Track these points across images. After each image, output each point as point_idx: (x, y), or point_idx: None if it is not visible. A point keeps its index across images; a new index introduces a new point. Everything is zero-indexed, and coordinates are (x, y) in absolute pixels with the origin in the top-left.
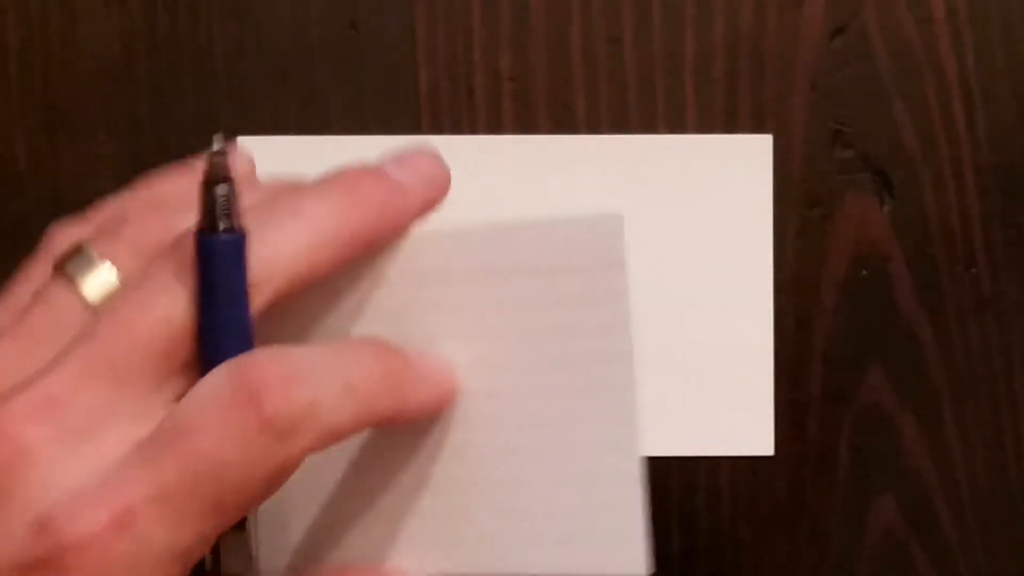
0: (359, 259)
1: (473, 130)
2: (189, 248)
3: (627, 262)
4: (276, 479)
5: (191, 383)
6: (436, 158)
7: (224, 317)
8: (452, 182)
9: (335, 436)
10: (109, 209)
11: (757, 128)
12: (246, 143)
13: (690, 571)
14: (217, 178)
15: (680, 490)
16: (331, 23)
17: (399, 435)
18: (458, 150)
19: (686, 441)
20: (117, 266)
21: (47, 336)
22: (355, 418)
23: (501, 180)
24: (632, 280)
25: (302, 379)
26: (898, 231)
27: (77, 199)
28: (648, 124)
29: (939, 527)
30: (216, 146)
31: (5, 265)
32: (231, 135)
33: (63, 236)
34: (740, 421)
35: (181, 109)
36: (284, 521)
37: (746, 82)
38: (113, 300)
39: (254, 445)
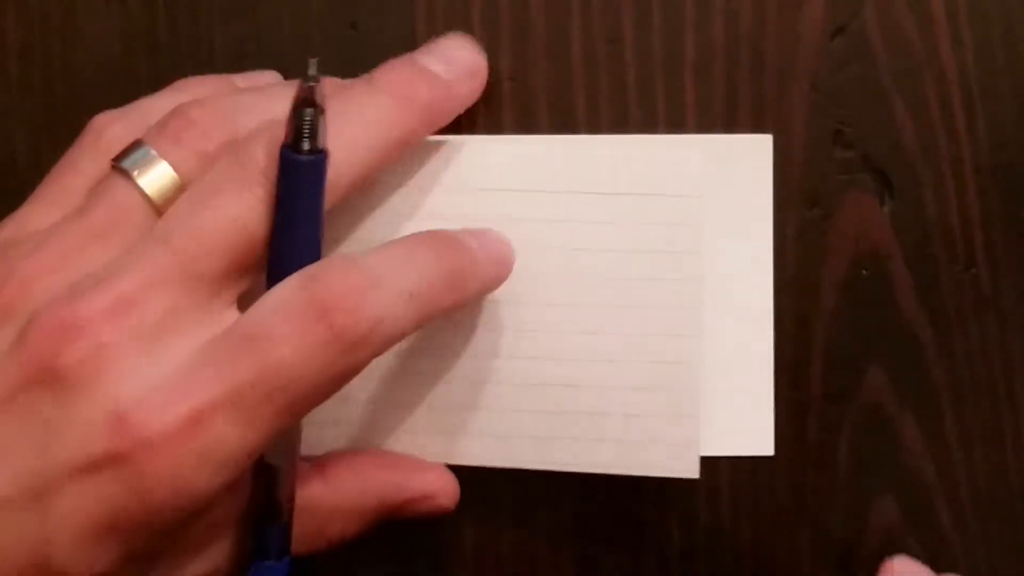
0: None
1: (473, 130)
2: (262, 160)
3: (704, 193)
4: (340, 384)
5: (250, 289)
6: (474, 50)
7: (298, 230)
8: (452, 182)
9: (398, 340)
10: (153, 106)
11: (757, 128)
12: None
13: (690, 571)
14: (308, 102)
15: (680, 490)
16: (331, 23)
17: (458, 330)
18: (458, 150)
19: None
20: (177, 167)
21: (110, 232)
22: (418, 322)
23: (501, 180)
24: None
25: (369, 293)
26: (898, 231)
27: None
28: (648, 124)
29: (939, 527)
30: (311, 71)
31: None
32: None
33: (113, 131)
34: (740, 421)
35: None
36: (330, 408)
37: (746, 82)
38: (186, 204)
39: (324, 355)
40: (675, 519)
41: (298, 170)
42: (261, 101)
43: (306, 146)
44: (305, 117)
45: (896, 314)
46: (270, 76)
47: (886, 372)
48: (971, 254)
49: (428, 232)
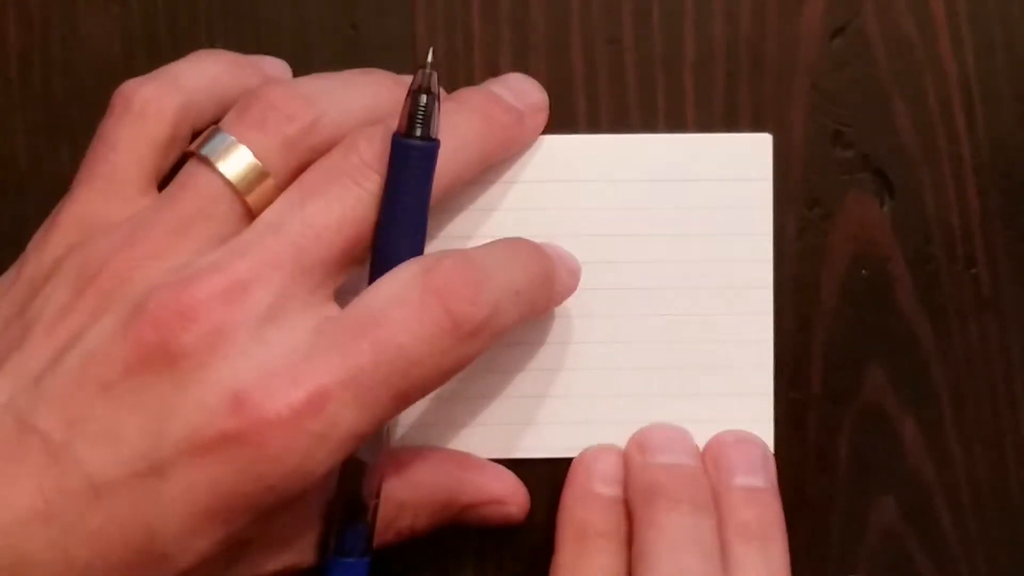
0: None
1: None
2: (373, 151)
3: (771, 178)
4: (452, 374)
5: (352, 275)
6: (540, 89)
7: (407, 220)
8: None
9: (504, 336)
10: (180, 70)
11: (757, 128)
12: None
13: None
14: (423, 88)
15: None
16: (331, 23)
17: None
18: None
19: None
20: (259, 154)
21: (197, 221)
22: (521, 319)
23: (501, 180)
24: (631, 280)
25: (485, 286)
26: (898, 231)
27: None
28: (648, 124)
29: (939, 527)
30: (430, 59)
31: (5, 265)
32: None
33: (143, 94)
34: (740, 421)
35: None
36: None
37: (746, 82)
38: (296, 194)
39: (441, 344)
40: None
41: (411, 156)
42: (339, 87)
43: (419, 132)
44: (420, 103)
45: (896, 314)
46: (279, 64)
47: (886, 372)
48: (971, 254)
49: (519, 238)
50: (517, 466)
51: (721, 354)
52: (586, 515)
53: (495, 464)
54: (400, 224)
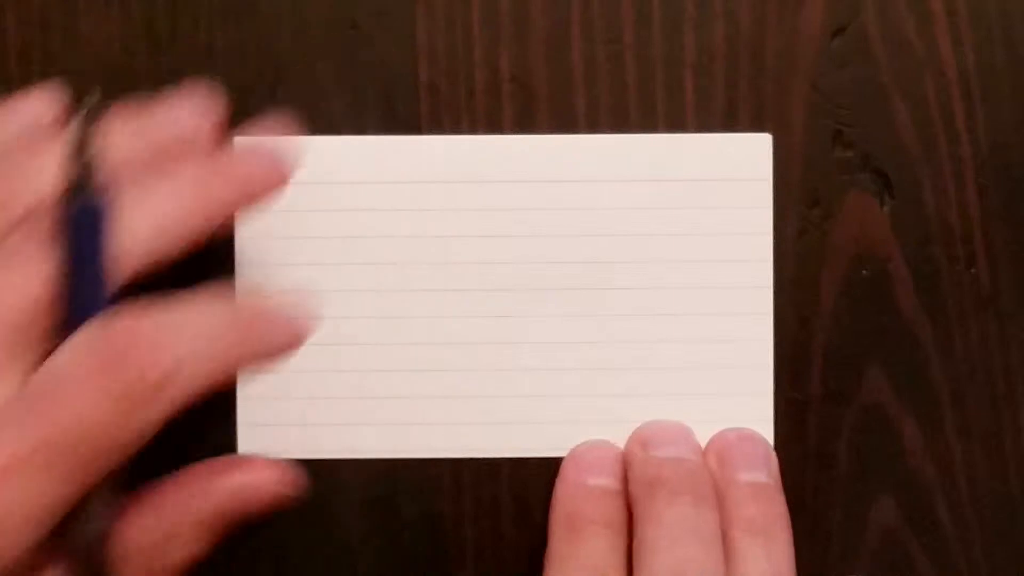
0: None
1: (473, 130)
2: (51, 215)
3: (771, 178)
4: (141, 438)
5: (51, 349)
6: (278, 154)
7: (83, 284)
8: (453, 182)
9: (196, 395)
10: None
11: (757, 128)
12: (246, 143)
13: None
14: (83, 146)
15: None
16: (331, 23)
17: (529, 319)
18: (458, 150)
19: None
20: None
21: None
22: (215, 376)
23: (501, 180)
24: (631, 280)
25: (163, 343)
26: (898, 231)
27: None
28: (648, 124)
29: (939, 527)
30: (86, 108)
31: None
32: (231, 135)
33: None
34: (740, 420)
35: None
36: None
37: (746, 82)
38: None
39: (118, 407)
40: None
41: (77, 220)
42: (28, 159)
43: (82, 197)
44: (83, 162)
45: (896, 314)
46: (41, 102)
47: (886, 372)
48: (971, 254)
49: (218, 293)
50: (516, 466)
51: (721, 354)
52: (577, 506)
53: (248, 457)
54: (76, 291)
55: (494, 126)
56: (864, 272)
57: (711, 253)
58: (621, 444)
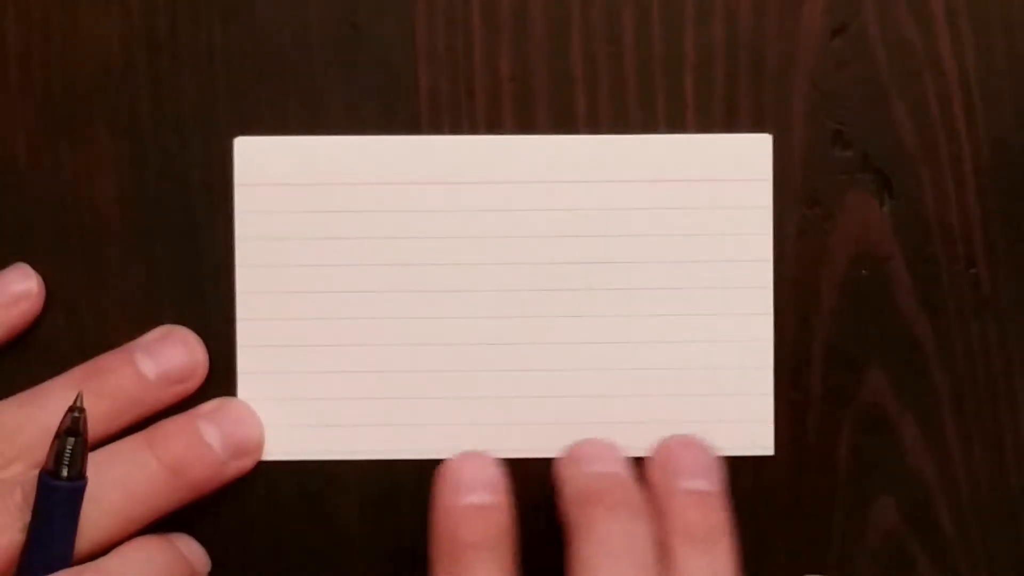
0: None
1: (473, 130)
2: (22, 492)
3: (771, 178)
4: None
5: None
6: (191, 349)
7: (46, 551)
8: (453, 182)
9: None
10: None
11: (757, 128)
12: (246, 143)
13: None
14: (71, 431)
15: None
16: (331, 23)
17: (529, 320)
18: (458, 150)
19: None
20: None
21: None
22: None
23: (501, 180)
24: (631, 280)
25: None
26: (898, 231)
27: (77, 199)
28: (648, 124)
29: (939, 527)
30: (79, 403)
31: (5, 265)
32: (231, 135)
33: None
34: (740, 421)
35: (181, 109)
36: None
37: (746, 82)
38: None
39: None
40: None
41: (54, 496)
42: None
43: (65, 473)
44: (67, 446)
45: (896, 314)
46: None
47: (886, 372)
48: (971, 254)
49: (161, 537)
50: (516, 466)
51: (721, 354)
52: (456, 530)
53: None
54: (38, 558)
55: (494, 126)
56: (864, 272)
57: (711, 253)
58: (623, 445)
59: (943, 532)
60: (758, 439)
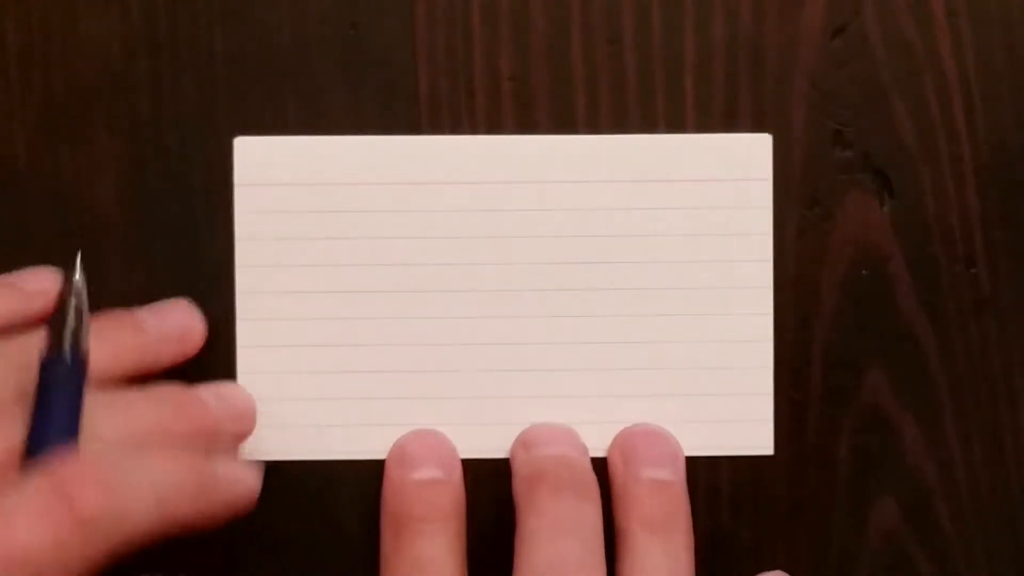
0: None
1: (473, 130)
2: (33, 370)
3: (771, 178)
4: (86, 571)
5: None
6: (190, 314)
7: (55, 434)
8: (453, 182)
9: (143, 539)
10: None
11: (757, 128)
12: (246, 143)
13: None
14: (65, 308)
15: None
16: (331, 23)
17: (529, 320)
18: (458, 150)
19: (685, 441)
20: None
21: None
22: (160, 526)
23: (501, 180)
24: (631, 280)
25: (113, 486)
26: (898, 231)
27: (77, 199)
28: (648, 124)
29: (939, 527)
30: (77, 275)
31: (5, 265)
32: (231, 135)
33: None
34: (740, 421)
35: (181, 109)
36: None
37: (746, 82)
38: None
39: (66, 540)
40: None
41: (54, 374)
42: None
43: (67, 350)
44: (61, 325)
45: (896, 314)
46: (42, 277)
47: (886, 372)
48: (971, 254)
49: (179, 450)
50: None
51: (721, 354)
52: (401, 505)
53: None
54: (47, 440)
55: (494, 126)
56: (864, 272)
57: (711, 253)
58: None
59: (943, 532)
60: (758, 439)
